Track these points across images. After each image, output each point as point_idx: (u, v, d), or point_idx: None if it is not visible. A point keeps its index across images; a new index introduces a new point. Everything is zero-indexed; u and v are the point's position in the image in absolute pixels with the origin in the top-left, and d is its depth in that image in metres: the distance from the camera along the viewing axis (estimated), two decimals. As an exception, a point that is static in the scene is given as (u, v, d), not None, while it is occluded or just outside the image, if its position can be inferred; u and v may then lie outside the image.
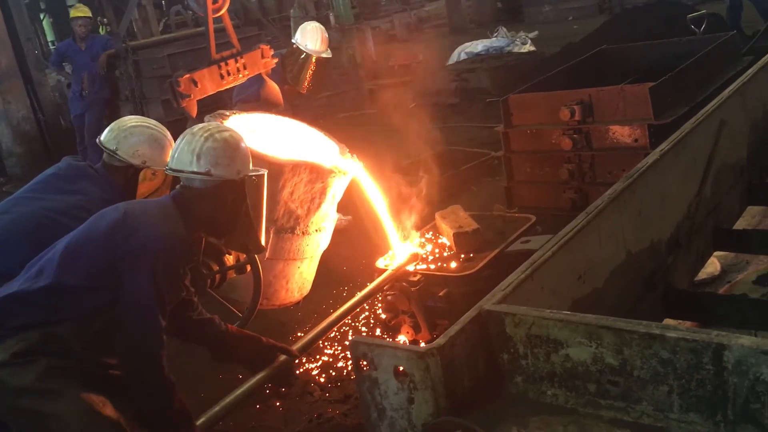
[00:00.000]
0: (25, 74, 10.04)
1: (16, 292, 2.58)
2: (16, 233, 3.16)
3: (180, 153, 2.82)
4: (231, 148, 2.83)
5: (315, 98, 8.93)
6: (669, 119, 5.13)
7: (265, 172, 2.96)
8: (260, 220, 2.96)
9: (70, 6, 9.39)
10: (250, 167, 2.91)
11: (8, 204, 3.36)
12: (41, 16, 18.44)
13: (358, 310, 4.30)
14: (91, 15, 9.12)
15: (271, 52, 4.97)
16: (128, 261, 2.55)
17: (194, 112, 4.35)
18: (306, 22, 6.24)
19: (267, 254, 4.44)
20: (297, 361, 3.24)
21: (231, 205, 2.83)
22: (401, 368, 1.84)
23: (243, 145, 2.90)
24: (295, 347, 3.23)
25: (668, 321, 3.02)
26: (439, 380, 1.81)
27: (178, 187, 2.86)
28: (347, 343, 4.74)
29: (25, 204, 3.33)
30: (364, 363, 1.90)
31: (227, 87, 4.75)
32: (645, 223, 2.81)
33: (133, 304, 2.54)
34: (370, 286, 4.10)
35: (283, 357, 3.09)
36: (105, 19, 10.94)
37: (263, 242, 3.06)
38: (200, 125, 2.93)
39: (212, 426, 2.87)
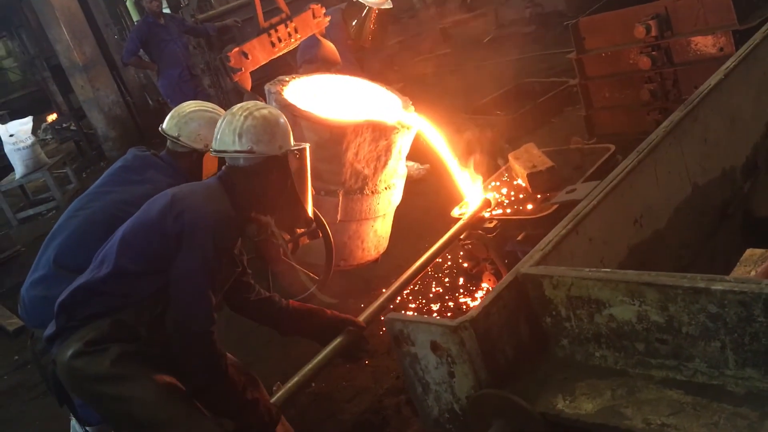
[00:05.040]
0: (108, 60, 10.36)
1: (82, 284, 2.71)
2: (92, 228, 3.30)
3: (222, 134, 2.84)
4: (271, 124, 2.82)
5: (387, 45, 8.77)
6: (755, 22, 4.71)
7: (307, 145, 2.92)
8: (306, 194, 2.94)
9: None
10: (292, 142, 2.88)
11: (84, 200, 3.51)
12: (125, -1, 18.84)
13: (440, 259, 4.24)
14: None
15: (323, 11, 4.87)
16: (179, 240, 2.61)
17: (248, 85, 4.34)
18: (364, -26, 6.07)
19: (339, 216, 4.44)
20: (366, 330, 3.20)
21: (276, 180, 2.84)
22: (438, 343, 1.79)
23: (282, 120, 2.88)
24: (362, 317, 3.21)
25: (751, 251, 2.81)
26: (476, 353, 1.75)
27: (223, 167, 2.88)
28: (431, 295, 4.72)
29: (98, 198, 3.47)
30: (402, 340, 1.86)
31: (280, 54, 4.71)
32: (713, 151, 2.59)
33: (182, 281, 2.61)
34: (443, 239, 4.02)
35: (350, 329, 3.07)
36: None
37: (311, 215, 3.04)
38: (239, 105, 2.92)
39: (285, 404, 2.91)
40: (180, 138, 3.47)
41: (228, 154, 2.81)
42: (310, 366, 2.90)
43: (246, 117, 2.80)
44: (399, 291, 3.53)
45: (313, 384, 4.21)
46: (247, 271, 2.97)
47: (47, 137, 14.34)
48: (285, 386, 2.87)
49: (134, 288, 2.64)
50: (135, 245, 2.69)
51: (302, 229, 3.58)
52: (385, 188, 4.47)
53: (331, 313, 3.10)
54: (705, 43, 5.07)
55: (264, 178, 2.80)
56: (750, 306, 1.51)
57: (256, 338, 4.60)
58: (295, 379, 2.90)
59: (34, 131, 9.67)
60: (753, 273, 3.24)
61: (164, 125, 3.55)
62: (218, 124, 2.87)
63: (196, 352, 2.61)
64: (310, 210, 2.99)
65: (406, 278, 3.55)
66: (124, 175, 3.55)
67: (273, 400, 2.84)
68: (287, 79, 4.61)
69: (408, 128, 4.34)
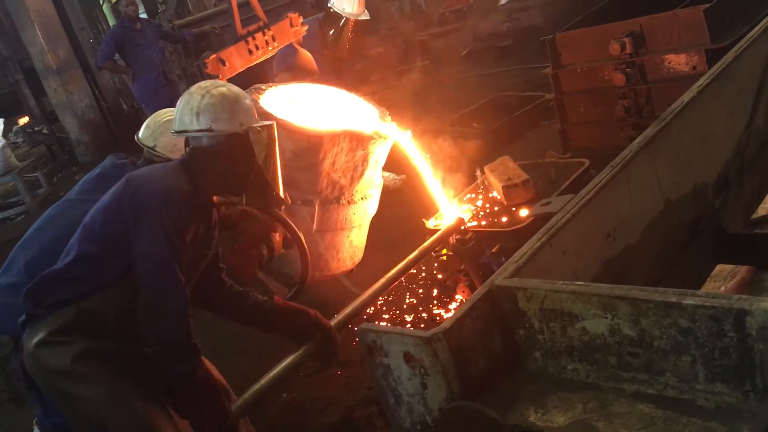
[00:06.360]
0: (83, 63, 10.25)
1: (48, 273, 2.69)
2: (66, 239, 3.23)
3: (181, 114, 2.77)
4: (230, 101, 2.75)
5: (365, 56, 8.80)
6: (727, 42, 4.80)
7: (273, 123, 2.86)
8: (276, 172, 2.89)
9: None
10: (255, 120, 2.82)
11: (61, 207, 3.50)
12: (101, 1, 18.71)
13: (414, 270, 4.22)
14: None
15: (300, 20, 4.87)
16: (136, 217, 2.56)
17: (225, 92, 4.31)
18: (342, -16, 6.08)
19: (315, 226, 4.42)
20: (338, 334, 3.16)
21: (239, 159, 2.77)
22: (411, 354, 1.78)
23: (244, 99, 2.81)
24: (333, 322, 3.16)
25: (721, 267, 2.84)
26: (449, 364, 1.74)
27: (186, 149, 2.83)
28: (405, 306, 4.72)
29: (74, 207, 3.43)
30: (375, 350, 1.85)
31: (257, 61, 4.69)
32: (685, 167, 2.62)
33: (146, 258, 2.53)
34: (416, 252, 4.01)
35: (318, 336, 3.02)
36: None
37: (282, 194, 3.00)
38: (197, 84, 2.86)
39: (247, 409, 2.84)
40: (156, 148, 3.43)
41: (188, 134, 2.76)
42: (274, 372, 2.79)
43: (203, 95, 2.73)
44: (373, 298, 3.51)
45: (285, 394, 4.19)
46: (221, 266, 2.94)
47: (18, 140, 14.15)
48: (246, 393, 2.77)
49: (99, 272, 2.61)
50: (95, 228, 2.66)
51: (277, 231, 3.54)
52: (362, 198, 4.46)
53: (313, 314, 3.03)
54: (678, 61, 5.15)
55: (226, 157, 2.74)
56: (721, 321, 1.53)
57: (229, 348, 4.56)
58: (256, 386, 2.77)
59: (5, 134, 9.58)
60: (723, 288, 3.29)
61: (140, 135, 3.51)
62: (177, 105, 2.81)
63: (169, 338, 2.51)
64: (281, 190, 2.95)
65: (379, 286, 3.53)
66: (100, 183, 3.50)
67: (233, 407, 2.77)
68: (264, 87, 4.59)
69: (385, 138, 4.33)
